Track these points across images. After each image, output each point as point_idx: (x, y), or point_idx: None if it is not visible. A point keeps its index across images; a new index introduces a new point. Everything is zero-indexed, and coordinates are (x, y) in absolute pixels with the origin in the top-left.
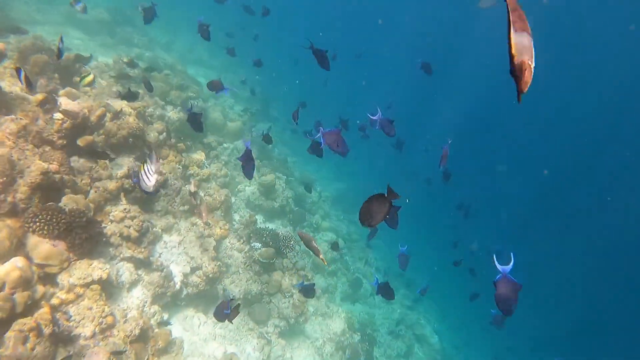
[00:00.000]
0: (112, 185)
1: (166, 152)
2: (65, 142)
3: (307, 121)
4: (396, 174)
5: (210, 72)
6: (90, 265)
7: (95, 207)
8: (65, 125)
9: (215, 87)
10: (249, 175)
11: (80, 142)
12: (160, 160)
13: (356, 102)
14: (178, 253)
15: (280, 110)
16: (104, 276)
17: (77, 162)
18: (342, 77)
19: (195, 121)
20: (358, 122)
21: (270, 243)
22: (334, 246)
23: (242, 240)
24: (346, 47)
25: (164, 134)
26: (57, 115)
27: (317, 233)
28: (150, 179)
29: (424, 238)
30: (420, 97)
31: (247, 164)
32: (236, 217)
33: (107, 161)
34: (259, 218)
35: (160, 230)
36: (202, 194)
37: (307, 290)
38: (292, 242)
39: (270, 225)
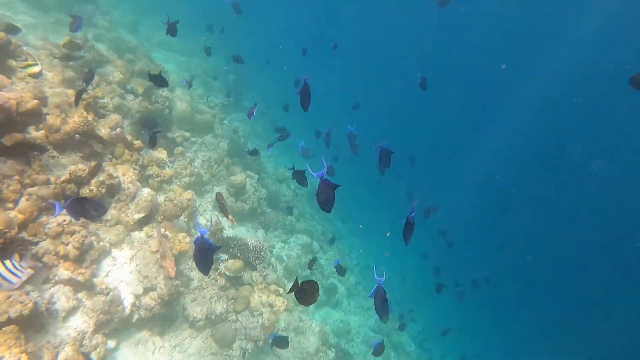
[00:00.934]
0: (49, 191)
1: (120, 150)
2: None
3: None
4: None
5: (179, 57)
6: (7, 299)
7: (27, 219)
8: None
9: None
10: (205, 271)
11: (5, 140)
12: (114, 160)
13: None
14: (129, 271)
15: (254, 100)
16: (26, 311)
17: (3, 164)
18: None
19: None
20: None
21: (238, 254)
22: (310, 264)
23: None
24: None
25: (118, 128)
26: None
27: (291, 235)
28: (18, 277)
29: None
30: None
31: (201, 259)
32: (202, 220)
33: (42, 162)
34: (228, 221)
35: (108, 244)
36: (162, 200)
37: (281, 342)
38: (262, 253)
39: (240, 229)
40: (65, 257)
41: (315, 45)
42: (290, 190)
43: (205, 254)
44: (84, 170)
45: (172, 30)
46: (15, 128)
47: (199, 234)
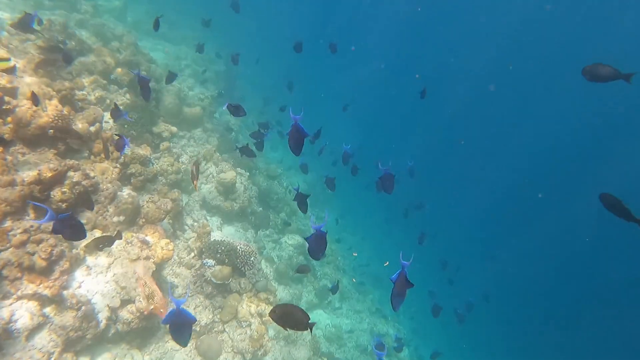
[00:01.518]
0: (14, 194)
1: (99, 147)
2: None
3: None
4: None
5: (168, 46)
6: None
7: None
8: None
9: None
10: (183, 344)
11: None
12: (92, 158)
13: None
14: (106, 281)
15: (246, 90)
16: None
17: None
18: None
19: (144, 87)
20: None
21: (226, 260)
22: (302, 269)
23: (192, 255)
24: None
25: (97, 124)
26: None
27: (282, 235)
28: None
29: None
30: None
31: (178, 333)
32: (189, 220)
33: (6, 161)
34: (216, 221)
35: (82, 252)
36: (145, 201)
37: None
38: (252, 259)
39: (229, 229)
40: (30, 270)
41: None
42: (282, 187)
43: (182, 327)
44: (54, 170)
45: (155, 25)
46: None
47: (173, 304)
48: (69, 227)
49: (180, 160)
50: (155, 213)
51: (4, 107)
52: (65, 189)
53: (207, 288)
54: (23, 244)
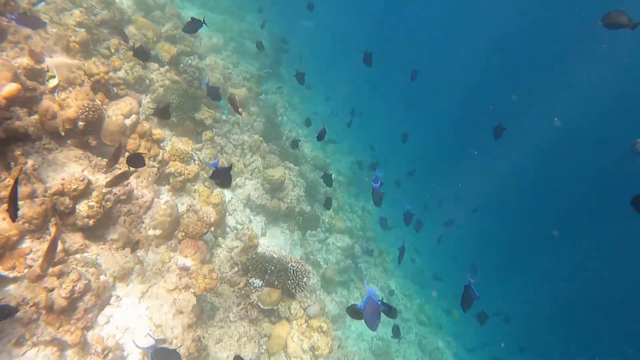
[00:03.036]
0: (33, 210)
1: (135, 143)
2: None
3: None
4: None
5: (213, 16)
6: None
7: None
8: None
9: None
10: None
11: None
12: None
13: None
14: (138, 315)
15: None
16: None
17: None
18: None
19: (214, 95)
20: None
21: (276, 282)
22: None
23: (236, 269)
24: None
25: (133, 116)
26: None
27: (330, 235)
28: None
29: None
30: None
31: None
32: (231, 221)
33: (26, 166)
34: (260, 221)
35: (111, 278)
36: (185, 209)
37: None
38: (305, 280)
39: (274, 230)
40: (49, 309)
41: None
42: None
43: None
44: (81, 180)
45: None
46: None
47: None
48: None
49: (224, 151)
50: (196, 227)
51: (28, 94)
52: (93, 202)
53: (252, 312)
54: (40, 277)
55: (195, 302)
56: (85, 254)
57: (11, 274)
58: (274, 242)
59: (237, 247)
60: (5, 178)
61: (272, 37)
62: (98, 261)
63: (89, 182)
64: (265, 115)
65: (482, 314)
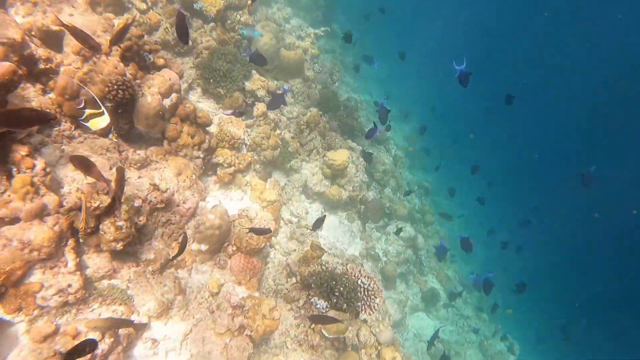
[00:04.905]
0: (44, 234)
1: (175, 129)
2: None
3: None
4: None
5: None
6: None
7: (3, 282)
8: None
9: None
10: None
11: None
12: (165, 145)
13: None
14: None
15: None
16: None
17: None
18: None
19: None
20: None
21: (344, 306)
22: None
23: (294, 281)
24: None
25: (174, 94)
26: None
27: (390, 222)
28: None
29: None
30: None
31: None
32: (285, 213)
33: (36, 170)
34: (317, 209)
35: (146, 314)
36: (237, 214)
37: None
38: (377, 301)
39: (332, 220)
40: None
41: None
42: (390, 155)
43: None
44: (105, 194)
45: None
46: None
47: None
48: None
49: (278, 129)
50: (251, 242)
51: (40, 66)
52: (122, 222)
53: (313, 338)
54: (52, 335)
55: (251, 351)
56: (112, 282)
57: (16, 318)
58: (332, 235)
59: (294, 250)
60: (5, 190)
61: None
62: (129, 293)
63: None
64: (322, 81)
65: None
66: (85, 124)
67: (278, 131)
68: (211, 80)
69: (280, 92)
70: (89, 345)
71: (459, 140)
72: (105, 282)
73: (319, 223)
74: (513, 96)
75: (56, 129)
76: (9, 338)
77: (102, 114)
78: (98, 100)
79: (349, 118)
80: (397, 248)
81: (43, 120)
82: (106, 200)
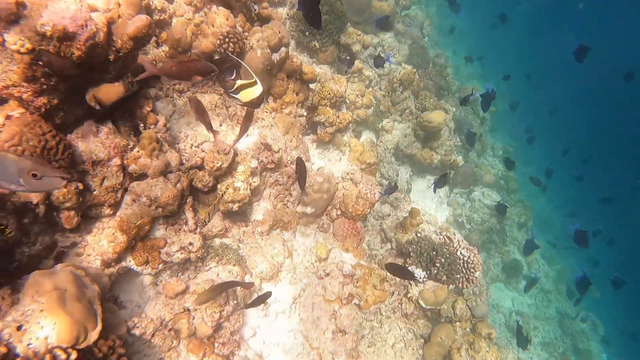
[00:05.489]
0: (167, 190)
1: (282, 86)
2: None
3: None
4: None
5: None
6: None
7: (132, 238)
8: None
9: None
10: None
11: (99, 96)
12: (272, 102)
13: None
14: (289, 329)
15: None
16: None
17: (93, 139)
18: None
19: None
20: None
21: (444, 278)
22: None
23: (388, 246)
24: None
25: (283, 49)
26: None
27: (474, 187)
28: None
29: None
30: None
31: None
32: (376, 176)
33: (156, 128)
34: (404, 172)
35: (258, 279)
36: (340, 176)
37: None
38: (477, 274)
39: (419, 184)
40: (190, 336)
41: None
42: (478, 117)
43: None
44: (225, 155)
45: None
46: (114, 65)
47: None
48: None
49: (375, 87)
50: (358, 207)
51: (155, 17)
52: (240, 182)
53: (407, 307)
54: (179, 294)
55: (360, 321)
56: (224, 240)
57: (144, 270)
58: (419, 200)
59: (388, 215)
60: (134, 146)
61: None
62: (241, 253)
63: (235, 154)
64: (411, 36)
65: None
66: (236, 95)
67: (373, 90)
68: (307, 33)
69: (383, 55)
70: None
71: (556, 114)
72: (217, 241)
73: (390, 190)
74: (633, 73)
75: (168, 84)
76: (138, 287)
77: (254, 83)
78: (250, 70)
79: (438, 76)
80: (482, 216)
81: (207, 72)
82: (227, 160)
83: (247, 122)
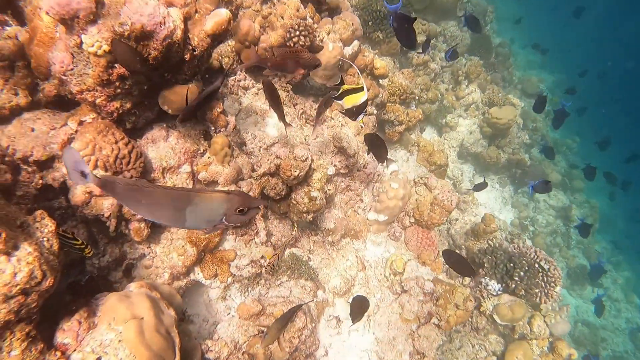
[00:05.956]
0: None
1: (352, 82)
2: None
3: None
4: None
5: None
6: None
7: (205, 247)
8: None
9: None
10: None
11: (172, 98)
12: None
13: None
14: (362, 349)
15: None
16: None
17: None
18: None
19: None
20: None
21: (523, 292)
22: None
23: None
24: None
25: (355, 42)
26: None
27: None
28: None
29: None
30: None
31: None
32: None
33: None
34: (468, 170)
35: (332, 291)
36: (412, 180)
37: None
38: (557, 289)
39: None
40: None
41: None
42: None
43: None
44: (303, 162)
45: None
46: (189, 64)
47: None
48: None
49: (437, 80)
50: (434, 215)
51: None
52: (316, 192)
53: (479, 321)
54: (258, 314)
55: (441, 343)
56: (293, 250)
57: (213, 284)
58: (482, 200)
59: (456, 219)
60: (205, 151)
61: None
62: (311, 265)
63: (311, 160)
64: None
65: None
66: (340, 101)
67: (437, 83)
68: (370, 23)
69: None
70: None
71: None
72: (287, 251)
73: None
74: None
75: (232, 78)
76: (205, 301)
77: (360, 89)
78: (359, 72)
79: (501, 66)
80: (547, 218)
81: (312, 65)
82: (304, 168)
83: (322, 110)
